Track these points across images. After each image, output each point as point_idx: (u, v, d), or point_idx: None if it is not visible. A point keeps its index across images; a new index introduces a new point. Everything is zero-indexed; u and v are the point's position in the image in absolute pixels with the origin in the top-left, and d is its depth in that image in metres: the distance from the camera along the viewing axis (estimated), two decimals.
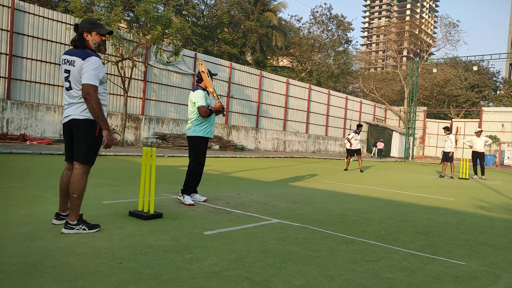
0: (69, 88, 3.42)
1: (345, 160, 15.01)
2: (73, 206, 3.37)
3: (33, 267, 2.52)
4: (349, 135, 14.07)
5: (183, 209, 4.73)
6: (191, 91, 5.26)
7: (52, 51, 15.96)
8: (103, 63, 16.61)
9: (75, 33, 3.45)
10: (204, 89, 5.24)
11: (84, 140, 3.39)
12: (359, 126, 13.79)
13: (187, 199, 5.01)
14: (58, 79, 16.13)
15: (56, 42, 16.03)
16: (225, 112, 5.54)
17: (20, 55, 15.05)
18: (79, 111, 3.39)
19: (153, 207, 4.09)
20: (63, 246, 2.97)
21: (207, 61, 22.05)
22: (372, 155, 31.26)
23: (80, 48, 3.41)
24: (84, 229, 3.36)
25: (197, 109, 5.10)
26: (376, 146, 31.29)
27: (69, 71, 3.38)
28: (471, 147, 14.05)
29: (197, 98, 5.11)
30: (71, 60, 3.37)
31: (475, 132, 14.30)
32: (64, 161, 3.65)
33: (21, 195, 4.87)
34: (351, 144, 13.74)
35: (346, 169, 13.77)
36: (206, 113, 5.09)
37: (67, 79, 3.41)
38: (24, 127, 15.03)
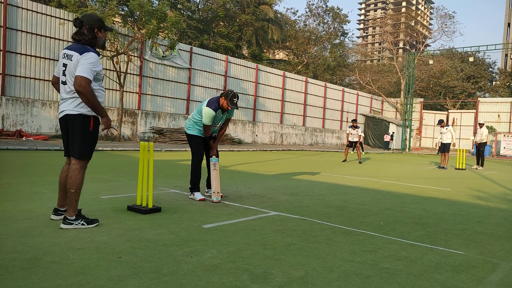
0: (64, 83, 3.39)
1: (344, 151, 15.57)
2: (71, 202, 3.37)
3: (32, 262, 2.52)
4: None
5: (182, 203, 4.73)
6: (205, 104, 4.96)
7: (46, 46, 15.83)
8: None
9: (77, 28, 3.39)
10: (218, 107, 4.95)
11: (78, 135, 3.37)
12: (353, 121, 14.53)
13: (197, 195, 4.99)
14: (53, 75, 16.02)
15: (50, 37, 15.89)
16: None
17: (14, 50, 14.92)
18: (72, 106, 3.36)
19: (151, 202, 4.09)
20: (62, 242, 2.97)
21: (203, 55, 21.97)
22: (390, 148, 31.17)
23: (85, 43, 3.38)
24: (82, 224, 3.36)
25: (203, 119, 4.93)
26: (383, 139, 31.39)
27: (66, 65, 3.35)
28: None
29: (205, 117, 4.90)
30: (70, 55, 3.33)
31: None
32: (64, 156, 3.64)
33: (18, 191, 4.85)
34: (347, 135, 14.53)
35: (344, 160, 14.08)
36: (207, 134, 5.03)
37: (64, 73, 3.38)
38: (20, 123, 14.95)
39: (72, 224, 3.33)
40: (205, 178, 5.46)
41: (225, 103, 4.95)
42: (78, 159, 3.39)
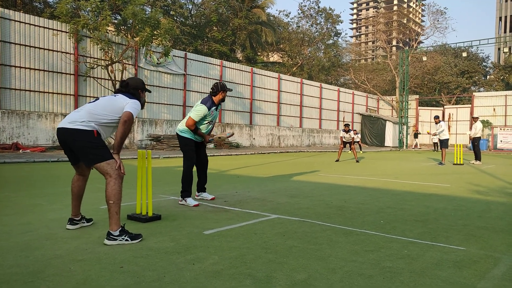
0: (92, 102, 3.53)
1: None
2: (112, 214, 3.27)
3: (34, 275, 2.51)
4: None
5: (182, 209, 4.72)
6: (200, 101, 5.21)
7: (40, 58, 15.80)
8: (93, 67, 16.65)
9: (123, 88, 3.70)
10: (212, 105, 5.16)
11: (85, 146, 3.37)
12: (345, 125, 15.11)
13: (190, 201, 4.98)
14: (48, 86, 16.00)
15: (44, 49, 15.87)
16: (209, 144, 5.52)
17: (8, 63, 14.89)
18: (74, 125, 3.38)
19: (151, 209, 4.08)
20: (63, 254, 2.96)
21: (198, 60, 22.00)
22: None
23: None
24: (126, 240, 3.25)
25: (194, 113, 5.06)
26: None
27: (107, 96, 3.66)
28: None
29: (195, 111, 5.05)
30: (116, 94, 3.66)
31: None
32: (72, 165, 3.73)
33: (17, 204, 4.83)
34: (341, 138, 15.14)
35: (337, 160, 14.35)
36: (191, 127, 5.07)
37: (98, 97, 3.62)
38: (16, 135, 14.90)
39: (116, 240, 3.22)
40: (196, 182, 5.46)
41: (220, 94, 5.19)
42: (107, 172, 3.30)
